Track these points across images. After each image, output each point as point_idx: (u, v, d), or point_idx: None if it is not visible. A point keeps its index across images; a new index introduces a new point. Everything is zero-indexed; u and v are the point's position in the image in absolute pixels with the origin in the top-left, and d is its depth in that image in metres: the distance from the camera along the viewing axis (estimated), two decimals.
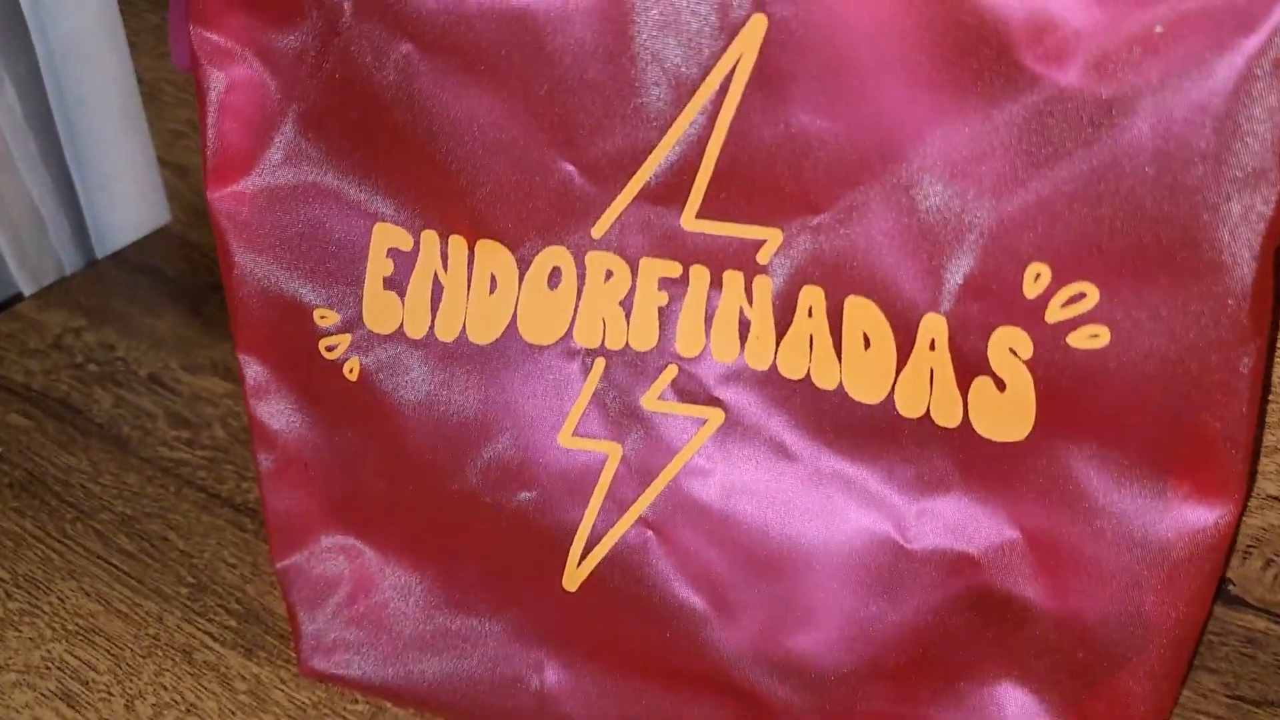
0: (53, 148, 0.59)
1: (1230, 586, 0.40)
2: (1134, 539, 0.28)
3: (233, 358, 0.36)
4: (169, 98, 0.57)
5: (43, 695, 0.38)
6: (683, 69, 0.28)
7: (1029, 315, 0.27)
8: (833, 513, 0.31)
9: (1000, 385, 0.28)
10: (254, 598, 0.41)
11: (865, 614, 0.32)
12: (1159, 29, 0.24)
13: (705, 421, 0.32)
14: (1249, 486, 0.31)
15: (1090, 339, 0.27)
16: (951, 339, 0.28)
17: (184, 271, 0.59)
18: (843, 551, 0.32)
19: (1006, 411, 0.29)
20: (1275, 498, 0.38)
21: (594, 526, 0.33)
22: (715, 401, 0.32)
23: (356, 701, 0.37)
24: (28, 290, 0.59)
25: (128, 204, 0.61)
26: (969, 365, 0.29)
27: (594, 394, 0.33)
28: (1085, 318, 0.27)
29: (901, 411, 0.30)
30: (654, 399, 0.32)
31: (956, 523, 0.30)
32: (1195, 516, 0.27)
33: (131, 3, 0.55)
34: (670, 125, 0.29)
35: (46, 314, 0.55)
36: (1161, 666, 0.29)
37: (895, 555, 0.31)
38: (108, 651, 0.39)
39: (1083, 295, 0.26)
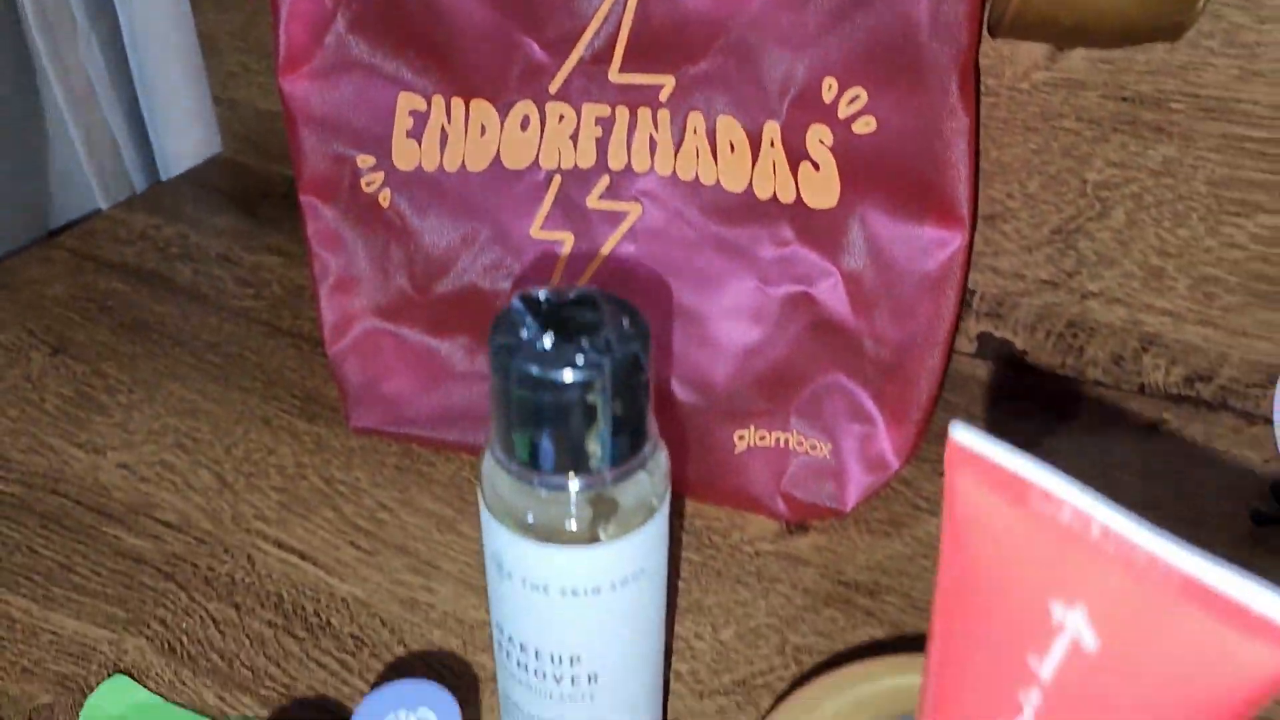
0: (127, 89, 0.74)
1: (1025, 355, 0.55)
2: (908, 266, 0.43)
3: (285, 242, 0.50)
4: (224, 45, 0.72)
5: (164, 447, 0.52)
6: None
7: (828, 114, 0.42)
8: (719, 270, 0.46)
9: (816, 167, 0.43)
10: (312, 389, 0.56)
11: (745, 342, 0.46)
12: None
13: (628, 214, 0.47)
14: (974, 222, 0.45)
15: (866, 126, 0.42)
16: (783, 138, 0.43)
17: (237, 187, 0.73)
18: (727, 298, 0.46)
19: (822, 186, 0.43)
20: (1049, 282, 0.53)
21: None
22: (636, 198, 0.46)
23: (391, 445, 0.52)
24: (105, 207, 0.74)
25: (187, 135, 0.76)
26: (796, 156, 0.43)
27: (554, 199, 0.47)
28: (861, 111, 0.42)
29: (758, 195, 0.45)
30: (595, 200, 0.47)
31: (799, 271, 0.45)
32: (942, 240, 0.42)
33: None
34: (597, 11, 0.44)
35: (130, 215, 0.70)
36: (930, 357, 0.44)
37: (761, 298, 0.46)
38: (207, 420, 0.54)
39: (858, 96, 0.41)
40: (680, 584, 0.46)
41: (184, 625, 0.44)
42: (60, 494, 0.50)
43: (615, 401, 0.26)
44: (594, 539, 0.28)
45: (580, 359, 0.25)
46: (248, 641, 0.43)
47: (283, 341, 0.59)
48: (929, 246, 0.43)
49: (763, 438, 0.47)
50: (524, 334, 0.26)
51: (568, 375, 0.25)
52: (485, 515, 0.29)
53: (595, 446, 0.26)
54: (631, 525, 0.28)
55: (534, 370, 0.26)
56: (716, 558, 0.47)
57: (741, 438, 0.47)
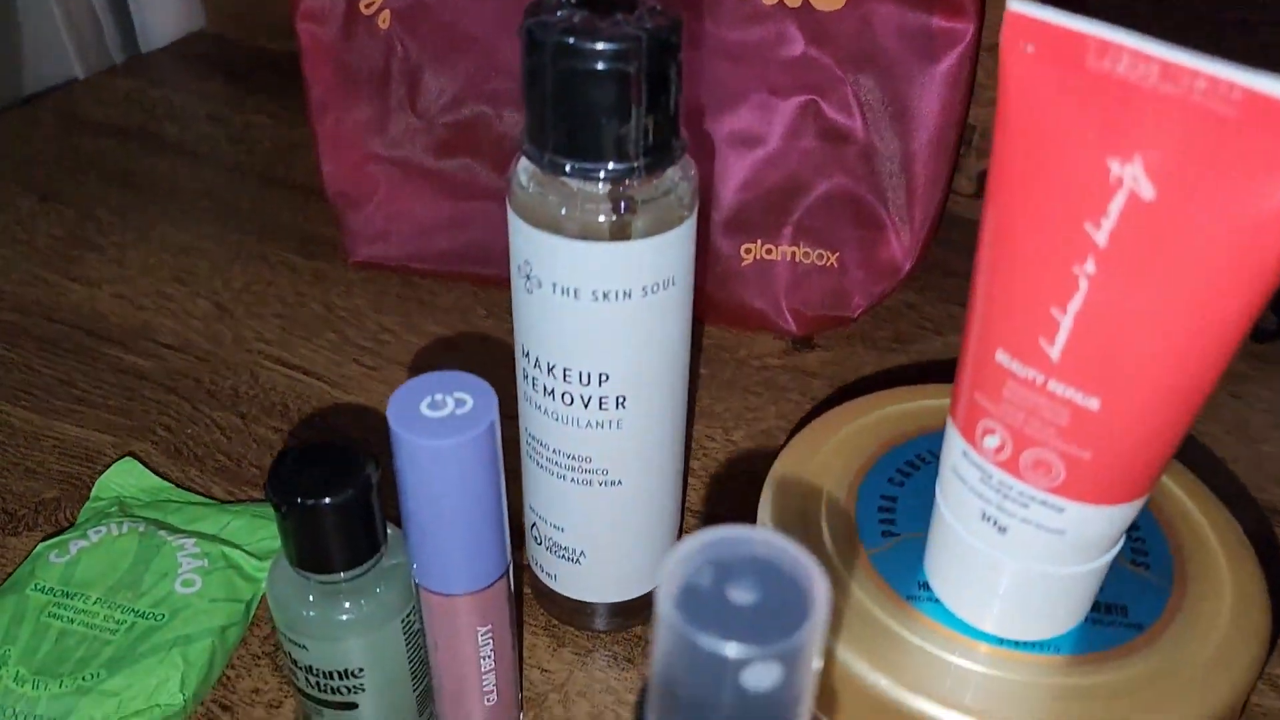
0: None
1: None
2: (917, 67, 0.43)
3: (276, 107, 0.49)
4: None
5: (160, 280, 0.52)
6: None
7: None
8: (729, 80, 0.46)
9: None
10: (309, 231, 0.55)
11: (754, 154, 0.46)
12: None
13: None
14: (982, 16, 0.45)
15: None
16: None
17: (222, 56, 0.72)
18: (738, 109, 0.46)
19: None
20: None
21: None
22: None
23: (392, 277, 0.51)
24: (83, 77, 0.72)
25: (169, 8, 0.74)
26: None
27: None
28: None
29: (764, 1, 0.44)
30: None
31: (808, 80, 0.45)
32: (951, 36, 0.42)
33: None
34: None
35: (112, 81, 0.69)
36: (938, 161, 0.44)
37: (771, 109, 0.45)
38: (203, 257, 0.53)
39: None
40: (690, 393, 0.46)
41: (189, 431, 0.43)
42: (57, 320, 0.49)
43: (648, 82, 0.26)
44: (625, 236, 0.28)
45: (616, 31, 0.25)
46: (254, 444, 0.43)
47: (278, 191, 0.58)
48: (937, 42, 0.43)
49: (769, 251, 0.47)
50: (559, 13, 0.26)
51: (602, 44, 0.25)
52: (515, 223, 0.29)
53: (627, 129, 0.26)
54: (662, 227, 0.28)
55: (569, 41, 0.25)
56: (725, 370, 0.47)
57: (748, 251, 0.47)
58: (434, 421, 0.25)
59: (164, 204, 0.57)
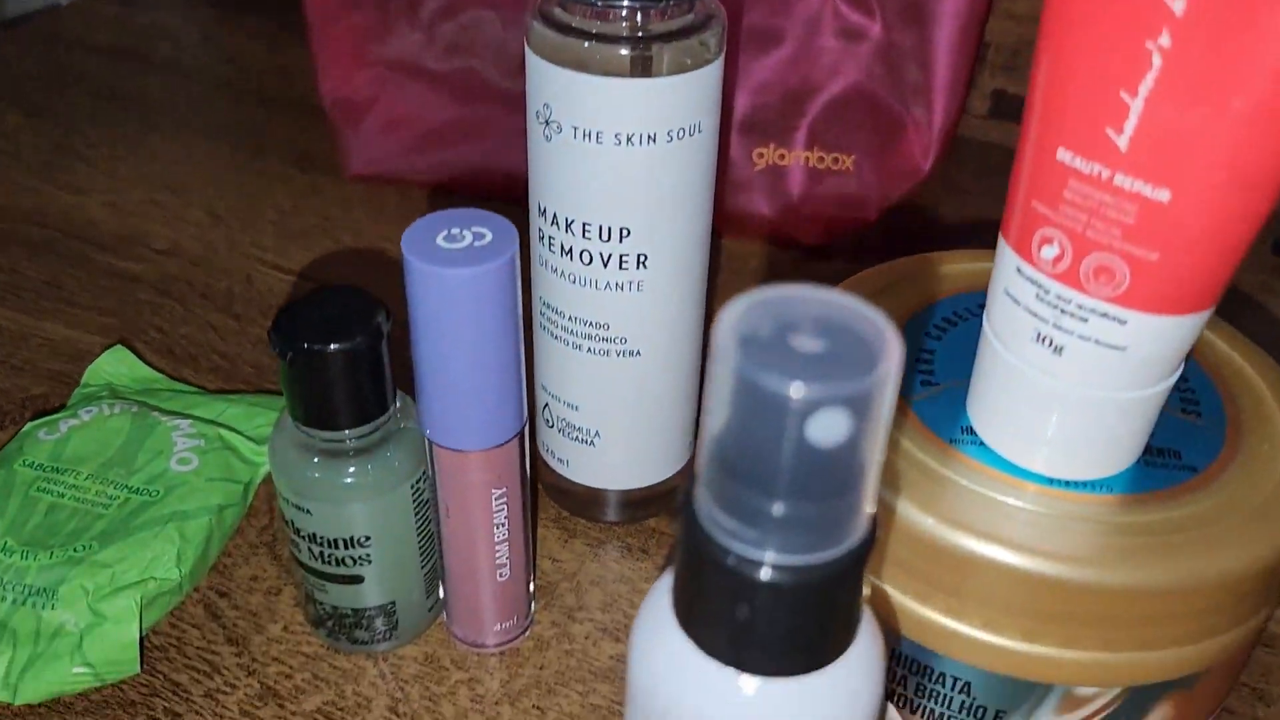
0: None
1: None
2: None
3: (271, 29, 0.47)
4: None
5: (152, 189, 0.50)
6: None
7: None
8: None
9: None
10: (307, 147, 0.53)
11: (769, 55, 0.45)
12: None
13: None
14: None
15: None
16: None
17: None
18: (754, 9, 0.44)
19: None
20: None
21: None
22: None
23: (389, 189, 0.50)
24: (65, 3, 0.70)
25: None
26: None
27: None
28: None
29: None
30: None
31: None
32: None
33: None
34: None
35: (98, 5, 0.67)
36: (958, 59, 0.43)
37: (786, 6, 0.44)
38: (196, 169, 0.51)
39: None
40: None
41: (182, 332, 0.42)
42: (45, 226, 0.47)
43: None
44: (649, 74, 0.26)
45: None
46: (250, 345, 0.41)
47: (273, 110, 0.57)
48: None
49: (781, 156, 0.45)
50: None
51: None
52: (533, 63, 0.27)
53: None
54: (688, 67, 0.26)
55: None
56: (738, 281, 0.45)
57: (760, 156, 0.45)
58: (452, 252, 0.24)
59: (154, 120, 0.55)
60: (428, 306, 0.24)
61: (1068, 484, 0.23)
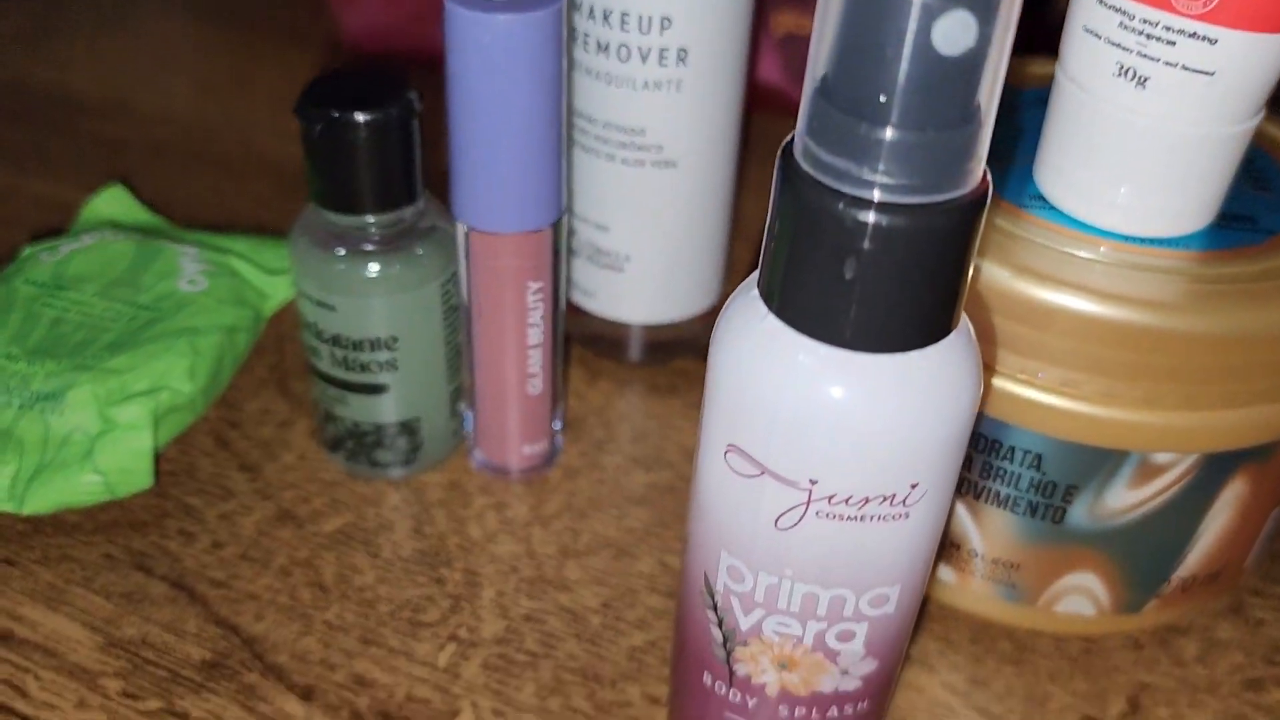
0: None
1: None
2: None
3: None
4: None
5: (140, 64, 0.48)
6: None
7: None
8: None
9: None
10: (301, 29, 0.51)
11: None
12: None
13: None
14: None
15: None
16: None
17: None
18: None
19: None
20: None
21: None
22: None
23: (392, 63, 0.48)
24: None
25: None
26: None
27: None
28: None
29: None
30: None
31: None
32: None
33: None
34: None
35: None
36: None
37: None
38: (184, 44, 0.49)
39: None
40: None
41: (179, 193, 0.40)
42: (27, 93, 0.45)
43: None
44: None
45: None
46: (250, 201, 0.39)
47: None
48: None
49: (801, 26, 0.44)
50: None
51: None
52: None
53: None
54: None
55: None
56: (767, 147, 0.44)
57: (779, 24, 0.44)
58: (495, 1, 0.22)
59: (152, 8, 0.53)
60: (469, 59, 0.22)
61: (1143, 240, 0.22)
